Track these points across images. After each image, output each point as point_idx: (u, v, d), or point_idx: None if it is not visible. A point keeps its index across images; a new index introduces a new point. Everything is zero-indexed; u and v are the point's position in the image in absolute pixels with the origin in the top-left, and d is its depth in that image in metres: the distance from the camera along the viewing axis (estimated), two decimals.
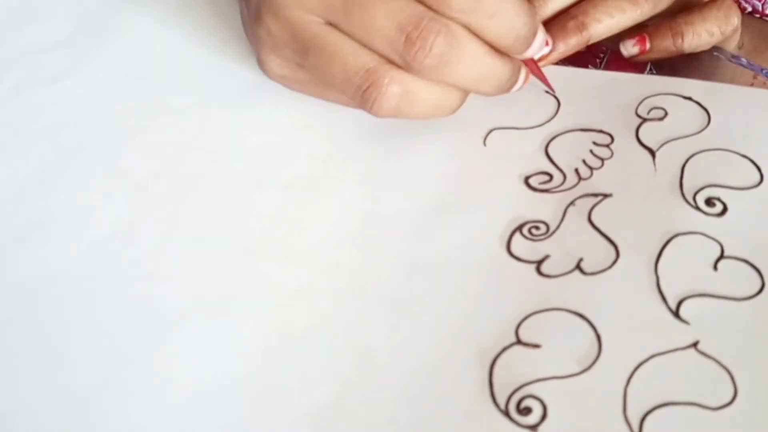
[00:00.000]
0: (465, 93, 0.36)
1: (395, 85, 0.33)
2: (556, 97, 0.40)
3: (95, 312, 0.32)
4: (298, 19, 0.34)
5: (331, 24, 0.33)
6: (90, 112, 0.40)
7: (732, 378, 0.29)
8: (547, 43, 0.41)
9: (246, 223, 0.35)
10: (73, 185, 0.37)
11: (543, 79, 0.39)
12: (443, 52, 0.32)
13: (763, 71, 0.41)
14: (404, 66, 0.33)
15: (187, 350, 0.31)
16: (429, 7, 0.32)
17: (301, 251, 0.34)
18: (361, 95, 0.33)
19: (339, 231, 0.35)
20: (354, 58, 0.33)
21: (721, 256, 0.33)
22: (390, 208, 0.36)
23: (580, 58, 0.42)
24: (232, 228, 0.35)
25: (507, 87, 0.36)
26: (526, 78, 0.38)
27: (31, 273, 0.34)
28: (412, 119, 0.36)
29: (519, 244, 0.34)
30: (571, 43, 0.41)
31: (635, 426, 0.28)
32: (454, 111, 0.36)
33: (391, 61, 0.33)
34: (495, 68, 0.34)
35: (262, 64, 0.38)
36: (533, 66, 0.38)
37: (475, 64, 0.33)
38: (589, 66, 0.42)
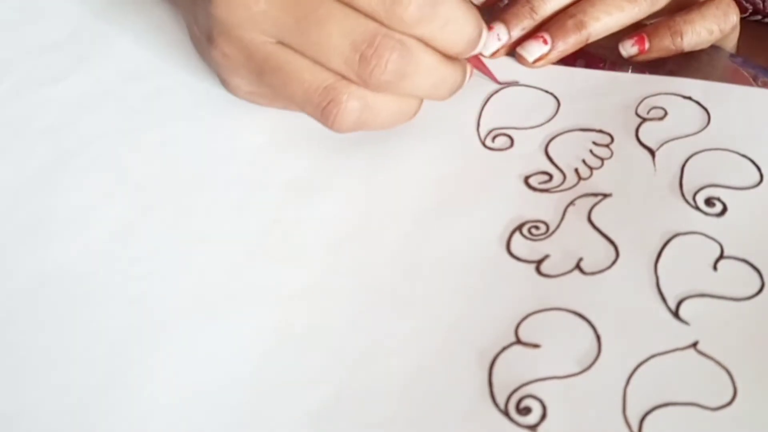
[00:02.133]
0: (421, 99, 0.36)
1: (354, 101, 0.33)
2: (556, 97, 0.40)
3: (95, 312, 0.32)
4: (250, 40, 0.34)
5: (283, 43, 0.33)
6: (90, 112, 0.40)
7: (732, 378, 0.29)
8: (545, 42, 0.41)
9: (246, 223, 0.35)
10: (73, 185, 0.37)
11: (486, 71, 0.40)
12: (398, 67, 0.32)
13: (763, 71, 0.41)
14: (361, 83, 0.33)
15: (186, 350, 0.31)
16: (382, 23, 0.32)
17: (301, 251, 0.34)
18: (321, 112, 0.33)
19: (339, 231, 0.35)
20: (311, 75, 0.33)
21: (721, 256, 0.33)
22: (390, 208, 0.36)
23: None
24: (232, 228, 0.35)
25: (458, 89, 0.36)
26: (470, 73, 0.38)
27: (31, 273, 0.34)
28: (373, 130, 0.36)
29: (519, 244, 0.34)
30: (570, 41, 0.41)
31: (635, 426, 0.28)
32: (413, 116, 0.37)
33: (347, 77, 0.33)
34: (448, 74, 0.35)
35: (226, 85, 0.38)
36: (475, 60, 0.39)
37: (430, 74, 0.34)
38: None
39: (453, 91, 0.36)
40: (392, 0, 0.31)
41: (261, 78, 0.35)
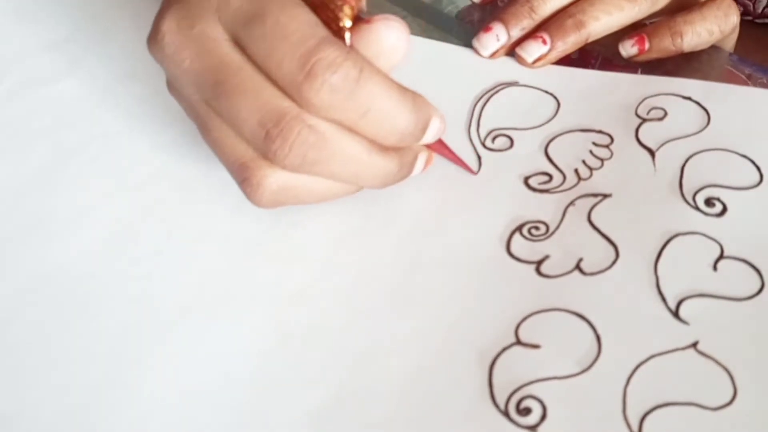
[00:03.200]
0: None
1: (267, 184, 0.31)
2: (556, 98, 0.40)
3: (94, 312, 0.32)
4: (187, 96, 0.32)
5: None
6: (90, 112, 0.40)
7: (731, 378, 0.29)
8: (545, 42, 0.41)
9: (246, 222, 0.35)
10: (73, 185, 0.37)
11: (455, 159, 0.36)
12: (306, 152, 0.29)
13: (762, 71, 0.41)
14: (270, 161, 0.30)
15: (186, 350, 0.31)
16: (296, 104, 0.29)
17: (301, 251, 0.34)
18: (240, 186, 0.32)
19: (339, 231, 0.35)
20: (231, 149, 0.31)
21: (721, 256, 0.33)
22: (390, 209, 0.36)
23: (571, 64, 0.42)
24: (232, 228, 0.35)
25: (397, 179, 0.33)
26: (428, 161, 0.35)
27: (31, 273, 0.34)
28: (304, 204, 0.33)
29: (519, 245, 0.34)
30: (570, 41, 0.41)
31: (635, 426, 0.28)
32: (351, 193, 0.34)
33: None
34: (376, 165, 0.31)
35: None
36: (439, 147, 0.35)
37: (350, 162, 0.31)
38: None
39: (386, 182, 0.33)
40: (304, 78, 0.28)
41: (200, 132, 0.33)
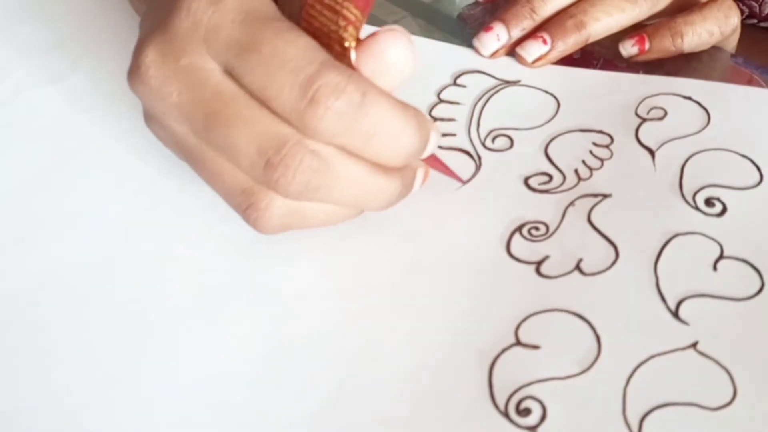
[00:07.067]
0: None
1: (275, 207, 0.30)
2: (556, 98, 0.40)
3: (94, 312, 0.32)
4: (174, 130, 0.31)
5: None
6: (90, 112, 0.40)
7: (731, 378, 0.29)
8: (545, 42, 0.41)
9: (245, 223, 0.35)
10: (73, 185, 0.37)
11: (446, 170, 0.36)
12: (309, 178, 0.28)
13: (763, 71, 0.41)
14: (271, 190, 0.30)
15: (186, 350, 0.31)
16: (296, 130, 0.28)
17: (301, 251, 0.34)
18: (242, 214, 0.31)
19: (339, 230, 0.35)
20: (231, 175, 0.30)
21: (721, 257, 0.33)
22: (389, 209, 0.36)
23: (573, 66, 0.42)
24: (232, 228, 0.35)
25: (397, 200, 0.32)
26: (425, 176, 0.34)
27: (31, 273, 0.34)
28: (307, 229, 0.32)
29: (519, 245, 0.34)
30: (570, 41, 0.41)
31: (635, 426, 0.28)
32: (355, 216, 0.33)
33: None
34: (379, 186, 0.31)
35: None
36: (432, 161, 0.34)
37: (353, 186, 0.30)
38: None
39: (390, 203, 0.32)
40: (307, 106, 0.27)
41: (191, 166, 0.32)
